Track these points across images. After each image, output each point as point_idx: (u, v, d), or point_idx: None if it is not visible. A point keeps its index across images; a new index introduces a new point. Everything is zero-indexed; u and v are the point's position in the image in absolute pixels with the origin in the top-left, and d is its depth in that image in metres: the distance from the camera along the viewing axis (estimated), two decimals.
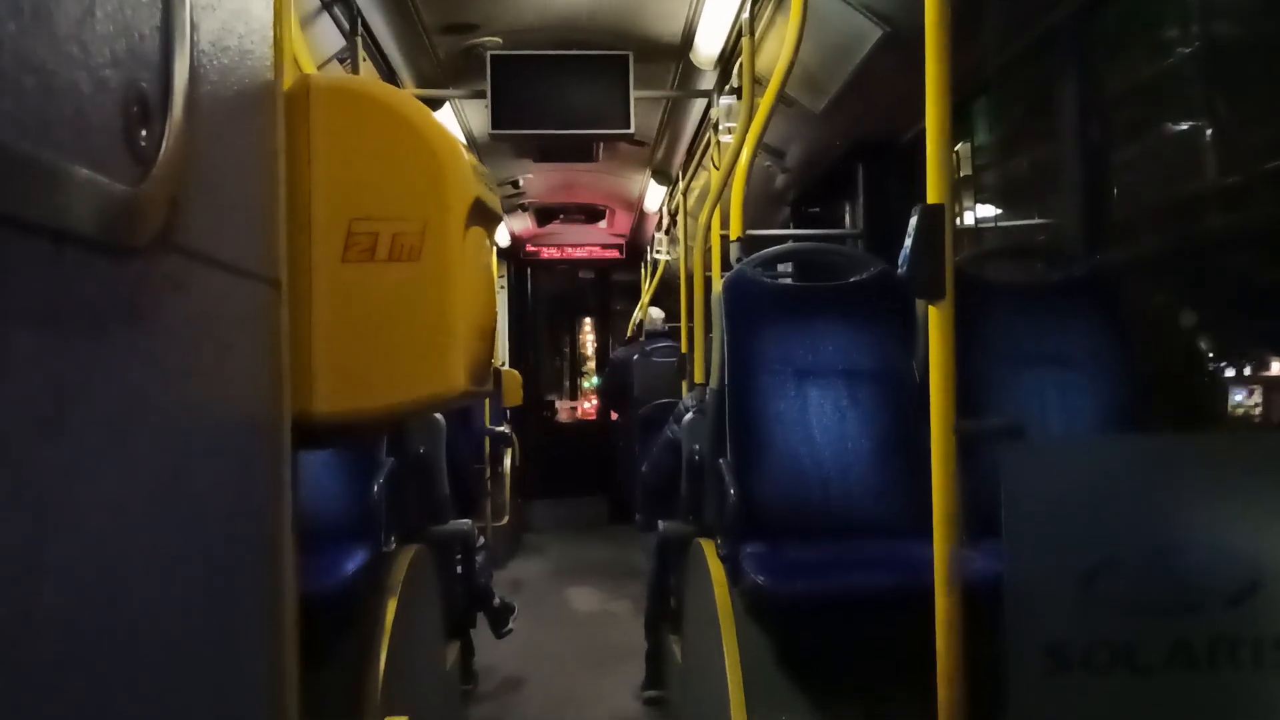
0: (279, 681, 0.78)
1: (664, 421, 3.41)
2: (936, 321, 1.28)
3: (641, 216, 6.60)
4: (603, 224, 7.28)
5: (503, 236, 6.79)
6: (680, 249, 4.91)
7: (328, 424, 0.87)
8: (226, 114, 0.69)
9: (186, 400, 0.61)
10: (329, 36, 2.69)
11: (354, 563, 2.08)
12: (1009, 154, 3.40)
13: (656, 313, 6.08)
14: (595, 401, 8.18)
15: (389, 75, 3.32)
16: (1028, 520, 1.05)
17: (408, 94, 1.00)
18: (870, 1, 2.47)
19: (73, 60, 0.47)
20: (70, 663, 0.46)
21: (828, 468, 2.21)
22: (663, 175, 5.30)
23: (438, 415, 2.82)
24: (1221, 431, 2.03)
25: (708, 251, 3.27)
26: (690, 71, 3.74)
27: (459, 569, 3.07)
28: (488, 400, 4.74)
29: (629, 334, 7.20)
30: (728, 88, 3.33)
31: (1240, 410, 2.13)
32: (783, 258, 3.07)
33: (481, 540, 3.43)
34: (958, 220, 3.51)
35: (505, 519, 5.71)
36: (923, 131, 1.29)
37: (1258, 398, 2.22)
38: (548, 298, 8.44)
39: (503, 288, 7.40)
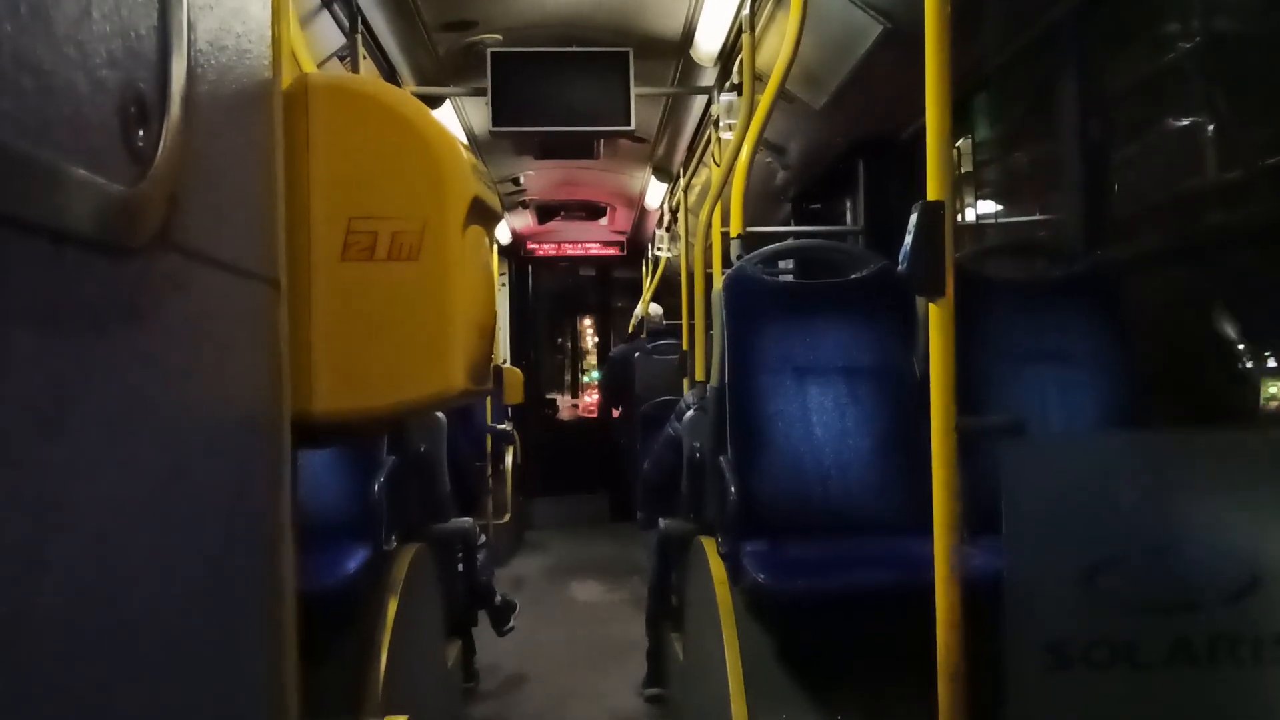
0: (279, 680, 0.78)
1: (665, 419, 3.41)
2: (937, 318, 1.28)
3: (642, 213, 6.59)
4: (603, 221, 7.27)
5: (503, 234, 6.79)
6: (681, 246, 4.91)
7: (327, 423, 0.87)
8: (224, 113, 0.69)
9: (186, 400, 0.61)
10: (329, 34, 2.69)
11: (355, 561, 2.09)
12: (1009, 150, 3.39)
13: (657, 310, 6.08)
14: (596, 397, 8.18)
15: (389, 73, 3.31)
16: (1028, 517, 1.05)
17: (406, 93, 1.00)
18: None
19: (70, 60, 0.47)
20: (70, 662, 0.46)
21: (828, 465, 2.21)
22: (663, 172, 5.30)
23: (439, 413, 2.82)
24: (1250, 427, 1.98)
25: (708, 248, 3.27)
26: (691, 68, 3.73)
27: (460, 567, 3.07)
28: (489, 398, 4.74)
29: (630, 331, 7.20)
30: (728, 84, 3.32)
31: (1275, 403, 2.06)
32: (783, 255, 3.07)
33: (483, 538, 3.44)
34: (958, 217, 3.50)
35: (506, 516, 5.73)
36: (923, 128, 1.29)
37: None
38: (549, 295, 8.45)
39: (503, 285, 7.40)
